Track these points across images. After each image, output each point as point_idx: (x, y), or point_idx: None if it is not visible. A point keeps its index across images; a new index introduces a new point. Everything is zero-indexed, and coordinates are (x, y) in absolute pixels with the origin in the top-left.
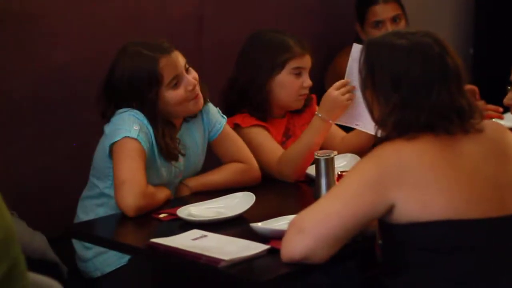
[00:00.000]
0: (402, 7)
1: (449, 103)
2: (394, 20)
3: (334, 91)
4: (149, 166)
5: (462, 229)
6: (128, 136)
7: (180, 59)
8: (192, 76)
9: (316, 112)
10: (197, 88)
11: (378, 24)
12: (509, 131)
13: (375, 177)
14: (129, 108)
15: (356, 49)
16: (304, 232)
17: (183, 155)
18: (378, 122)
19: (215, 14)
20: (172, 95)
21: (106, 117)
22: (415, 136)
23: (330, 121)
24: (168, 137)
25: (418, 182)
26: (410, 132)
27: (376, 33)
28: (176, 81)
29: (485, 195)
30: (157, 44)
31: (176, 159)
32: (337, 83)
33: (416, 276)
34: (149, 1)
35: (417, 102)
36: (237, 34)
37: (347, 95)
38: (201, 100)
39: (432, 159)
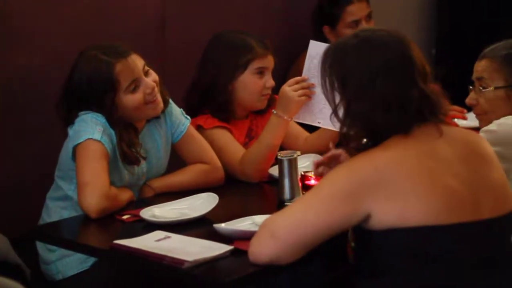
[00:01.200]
0: (370, 5)
1: (417, 96)
2: (368, 18)
3: (286, 87)
4: (111, 168)
5: (439, 234)
6: (91, 138)
7: (137, 62)
8: (152, 78)
9: (273, 110)
10: (156, 91)
11: (355, 23)
12: (482, 136)
13: (350, 188)
14: (92, 111)
15: (313, 46)
16: (275, 237)
17: (144, 158)
18: (344, 124)
19: (178, 14)
20: (130, 100)
21: (67, 122)
22: (389, 144)
23: (286, 118)
24: (126, 142)
25: (395, 192)
26: (377, 130)
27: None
28: (135, 86)
29: (461, 199)
30: (114, 48)
31: (135, 163)
32: (291, 80)
33: (391, 281)
34: (113, 2)
35: (383, 98)
36: (201, 35)
37: (300, 92)
38: (161, 104)
39: (409, 168)
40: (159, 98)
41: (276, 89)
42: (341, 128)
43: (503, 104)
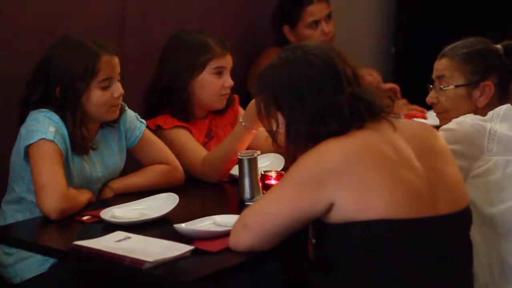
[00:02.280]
0: (330, 5)
1: (349, 101)
2: (328, 18)
3: (249, 108)
4: None
5: (398, 229)
6: (44, 138)
7: (118, 65)
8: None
9: (240, 119)
10: (121, 99)
11: (315, 23)
12: (435, 130)
13: (316, 175)
14: (45, 109)
15: None
16: (247, 228)
17: (94, 149)
18: (289, 147)
19: (137, 15)
20: (98, 95)
21: (26, 104)
22: (355, 134)
23: (252, 129)
24: (85, 128)
25: (360, 182)
26: (321, 140)
27: (312, 33)
28: (108, 84)
29: (420, 194)
30: (103, 42)
31: (87, 152)
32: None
33: (351, 275)
34: (71, 3)
35: (316, 113)
36: (160, 34)
37: None
38: (118, 112)
39: (375, 158)
40: (120, 105)
41: (236, 90)
42: (288, 151)
43: (464, 102)
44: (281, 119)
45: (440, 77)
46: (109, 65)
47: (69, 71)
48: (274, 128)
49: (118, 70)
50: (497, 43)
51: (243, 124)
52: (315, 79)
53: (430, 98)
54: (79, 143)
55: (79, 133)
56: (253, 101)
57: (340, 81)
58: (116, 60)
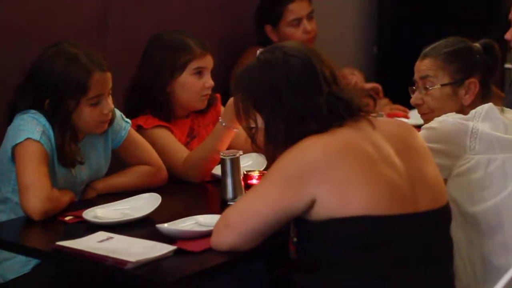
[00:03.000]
0: (312, 4)
1: (327, 101)
2: (310, 17)
3: (232, 98)
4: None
5: (379, 225)
6: (31, 138)
7: (110, 81)
8: (111, 101)
9: (220, 119)
10: (110, 114)
11: (297, 21)
12: (414, 128)
13: (297, 172)
14: (33, 111)
15: None
16: (229, 227)
17: (82, 163)
18: (268, 148)
19: (120, 14)
20: (87, 111)
21: (14, 110)
22: (335, 131)
23: (234, 130)
24: (73, 144)
25: (341, 178)
26: (299, 140)
27: (294, 32)
28: (97, 100)
29: (401, 191)
30: (97, 56)
31: (71, 166)
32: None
33: (333, 273)
34: (54, 3)
35: (294, 113)
36: (143, 34)
37: None
38: (107, 125)
39: (355, 155)
40: (109, 120)
41: (219, 89)
42: (267, 152)
43: (450, 101)
44: (260, 119)
45: (424, 78)
46: (101, 83)
47: (60, 86)
48: (253, 129)
49: (109, 86)
50: (475, 42)
51: (223, 124)
52: (294, 80)
53: (415, 99)
54: (67, 158)
55: (67, 149)
56: (231, 100)
57: (318, 82)
58: (108, 76)
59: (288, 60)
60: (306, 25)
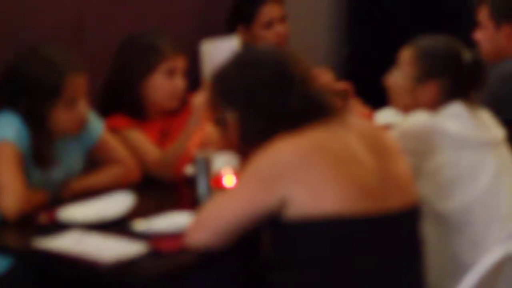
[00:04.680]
0: (285, 7)
1: (299, 102)
2: (282, 20)
3: (195, 98)
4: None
5: (351, 226)
6: (5, 139)
7: (84, 82)
8: (85, 102)
9: (191, 117)
10: (86, 116)
11: (269, 24)
12: (385, 128)
13: (270, 171)
14: (8, 111)
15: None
16: (203, 227)
17: (56, 164)
18: (242, 147)
19: (96, 14)
20: (62, 113)
21: None
22: (307, 131)
23: (205, 128)
24: (48, 144)
25: (313, 178)
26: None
27: (266, 34)
28: (73, 102)
29: (372, 190)
30: (72, 59)
31: (46, 167)
32: (201, 90)
33: (305, 272)
34: (29, 4)
35: (267, 113)
36: (118, 35)
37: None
38: (82, 127)
39: (327, 155)
40: (84, 122)
41: (194, 89)
42: (239, 151)
43: (406, 94)
44: (232, 119)
45: (399, 62)
46: (76, 84)
47: (35, 88)
48: (226, 128)
49: (84, 88)
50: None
51: (194, 122)
52: (266, 81)
53: (386, 77)
54: (41, 158)
55: (42, 149)
56: (202, 99)
57: (290, 82)
58: (83, 77)
59: (261, 61)
60: (278, 28)
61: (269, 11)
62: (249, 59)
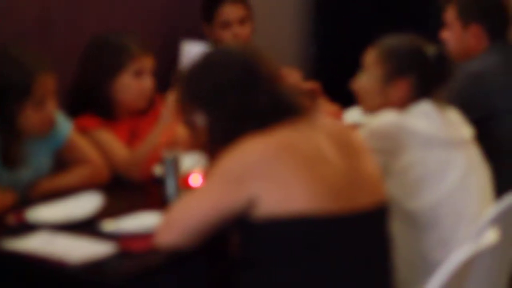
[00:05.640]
0: (249, 8)
1: (267, 101)
2: (242, 21)
3: (169, 96)
4: None
5: (319, 225)
6: None
7: (52, 81)
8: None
9: (160, 116)
10: (55, 116)
11: (226, 25)
12: (353, 127)
13: (239, 171)
14: None
15: (188, 47)
16: (171, 225)
17: (25, 164)
18: (210, 147)
19: (63, 15)
20: (31, 113)
21: None
22: (275, 130)
23: (174, 127)
24: (16, 145)
25: (281, 178)
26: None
27: (224, 34)
28: (41, 102)
29: (341, 189)
30: (40, 59)
31: (16, 167)
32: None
33: (273, 271)
34: None
35: (235, 113)
36: (86, 36)
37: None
38: (51, 127)
39: (295, 155)
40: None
41: (161, 88)
42: (207, 150)
43: (376, 95)
44: (201, 118)
45: (365, 65)
46: (44, 84)
47: (3, 89)
48: (195, 128)
49: (53, 88)
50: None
51: (163, 120)
52: (233, 81)
53: (353, 82)
54: (10, 159)
55: (11, 150)
56: (171, 97)
57: (258, 82)
58: (51, 77)
59: (228, 61)
60: (236, 29)
61: (226, 12)
62: (217, 60)
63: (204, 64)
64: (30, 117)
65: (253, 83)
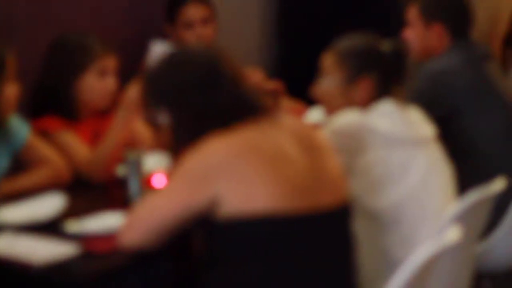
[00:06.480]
0: (212, 8)
1: (231, 101)
2: (205, 21)
3: (128, 91)
4: None
5: (282, 225)
6: None
7: (14, 65)
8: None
9: (118, 112)
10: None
11: (189, 25)
12: (316, 127)
13: (201, 171)
14: None
15: (156, 48)
16: (134, 226)
17: None
18: (174, 145)
19: (26, 14)
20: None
21: None
22: (239, 130)
23: (131, 124)
24: None
25: (244, 177)
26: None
27: (187, 34)
28: (6, 83)
29: (304, 189)
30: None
31: None
32: (133, 83)
33: (237, 271)
34: None
35: (199, 111)
36: (49, 36)
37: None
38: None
39: (260, 154)
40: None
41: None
42: (170, 149)
43: (340, 96)
44: (164, 117)
45: (323, 70)
46: (11, 65)
47: None
48: (158, 127)
49: (14, 70)
50: (383, 40)
51: (121, 115)
52: (197, 80)
53: (313, 89)
54: None
55: None
56: (134, 92)
57: (221, 82)
58: (13, 58)
59: (192, 60)
60: (199, 30)
61: (189, 12)
62: (180, 59)
63: (168, 64)
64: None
65: (216, 83)
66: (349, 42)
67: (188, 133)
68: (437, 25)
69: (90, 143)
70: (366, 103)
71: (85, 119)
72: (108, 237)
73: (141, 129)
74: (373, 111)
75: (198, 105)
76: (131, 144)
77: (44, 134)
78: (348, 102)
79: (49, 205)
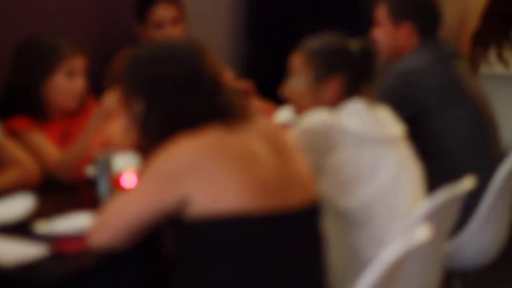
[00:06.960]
0: (182, 8)
1: (207, 102)
2: (174, 21)
3: (106, 98)
4: None
5: (251, 226)
6: None
7: None
8: None
9: (92, 116)
10: None
11: (159, 25)
12: (285, 127)
13: (171, 171)
14: None
15: None
16: (103, 226)
17: None
18: (145, 135)
19: None
20: None
21: None
22: (208, 131)
23: (104, 127)
24: None
25: (213, 177)
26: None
27: (157, 34)
28: None
29: (273, 189)
30: None
31: None
32: (111, 91)
33: (207, 271)
34: None
35: (175, 111)
36: (18, 36)
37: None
38: None
39: (227, 155)
40: None
41: (94, 89)
42: (141, 146)
43: (309, 97)
44: (138, 106)
45: (292, 69)
46: None
47: None
48: (131, 122)
49: None
50: (352, 39)
51: (95, 121)
52: (177, 77)
53: (282, 89)
54: None
55: None
56: (112, 99)
57: (200, 88)
58: None
59: (175, 56)
60: (169, 30)
61: (159, 12)
62: (166, 52)
63: (153, 53)
64: None
65: (195, 88)
66: (317, 41)
67: (158, 129)
68: (406, 24)
69: (59, 144)
70: (335, 102)
71: (54, 119)
72: (77, 238)
73: (113, 130)
74: (342, 110)
75: (172, 101)
76: (103, 145)
77: (13, 134)
78: (317, 101)
79: (18, 206)
